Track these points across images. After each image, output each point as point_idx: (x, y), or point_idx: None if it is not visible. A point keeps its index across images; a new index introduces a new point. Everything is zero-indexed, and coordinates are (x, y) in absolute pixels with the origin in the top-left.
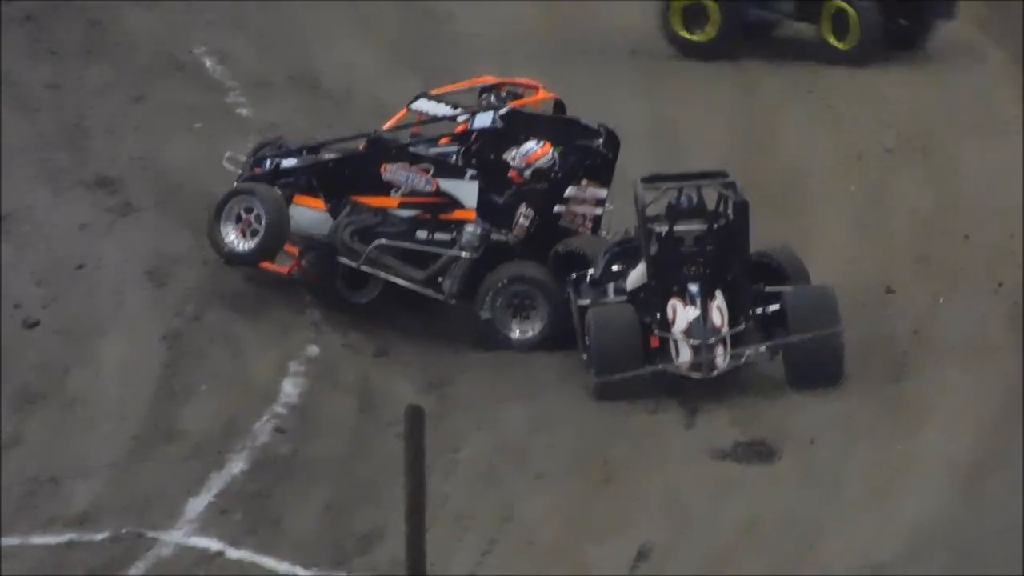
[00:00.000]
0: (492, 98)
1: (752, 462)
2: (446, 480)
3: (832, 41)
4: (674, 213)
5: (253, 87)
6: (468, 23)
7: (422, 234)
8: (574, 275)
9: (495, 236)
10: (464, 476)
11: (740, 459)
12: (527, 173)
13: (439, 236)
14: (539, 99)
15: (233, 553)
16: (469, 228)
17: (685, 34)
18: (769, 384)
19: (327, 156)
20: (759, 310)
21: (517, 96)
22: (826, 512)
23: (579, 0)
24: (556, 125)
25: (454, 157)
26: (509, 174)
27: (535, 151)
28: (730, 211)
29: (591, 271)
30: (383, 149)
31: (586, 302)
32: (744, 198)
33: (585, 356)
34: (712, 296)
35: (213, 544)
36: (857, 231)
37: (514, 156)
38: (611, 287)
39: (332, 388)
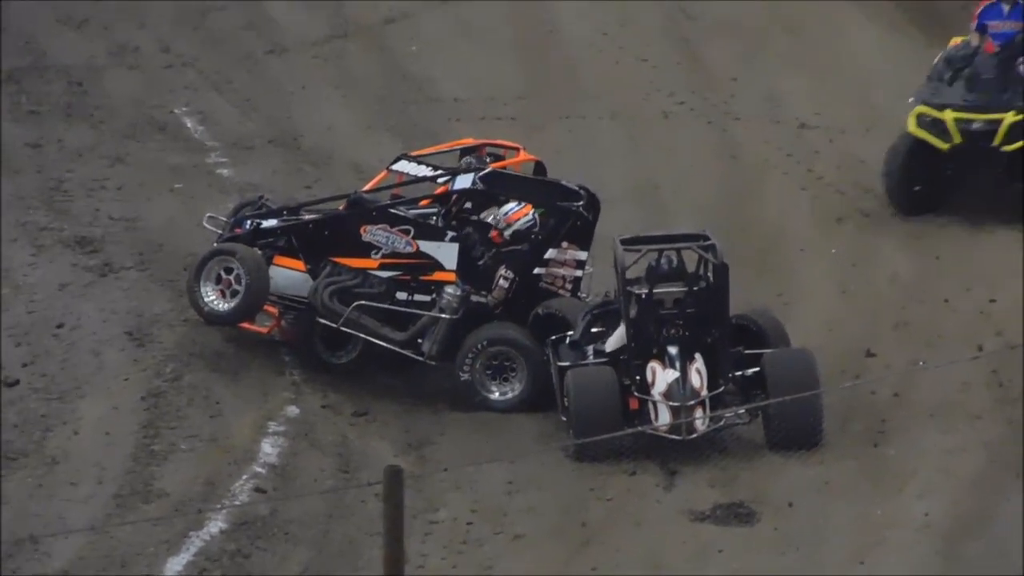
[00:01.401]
0: (473, 160)
1: (731, 524)
2: (424, 541)
3: None
4: (654, 275)
5: (234, 148)
6: (449, 85)
7: (402, 295)
8: (554, 337)
9: (475, 298)
10: (443, 537)
11: (719, 521)
12: (507, 233)
13: (419, 297)
14: (520, 161)
15: None
16: (449, 289)
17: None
18: (748, 447)
19: (307, 217)
20: (739, 373)
21: (498, 158)
22: (805, 575)
23: (559, 63)
24: (537, 187)
25: (434, 218)
26: (490, 235)
27: (515, 211)
28: (710, 273)
29: (571, 333)
30: (363, 210)
31: (566, 364)
32: (724, 260)
33: (564, 418)
34: (691, 358)
35: None
36: (837, 294)
37: (495, 217)
38: (591, 349)
39: (311, 448)
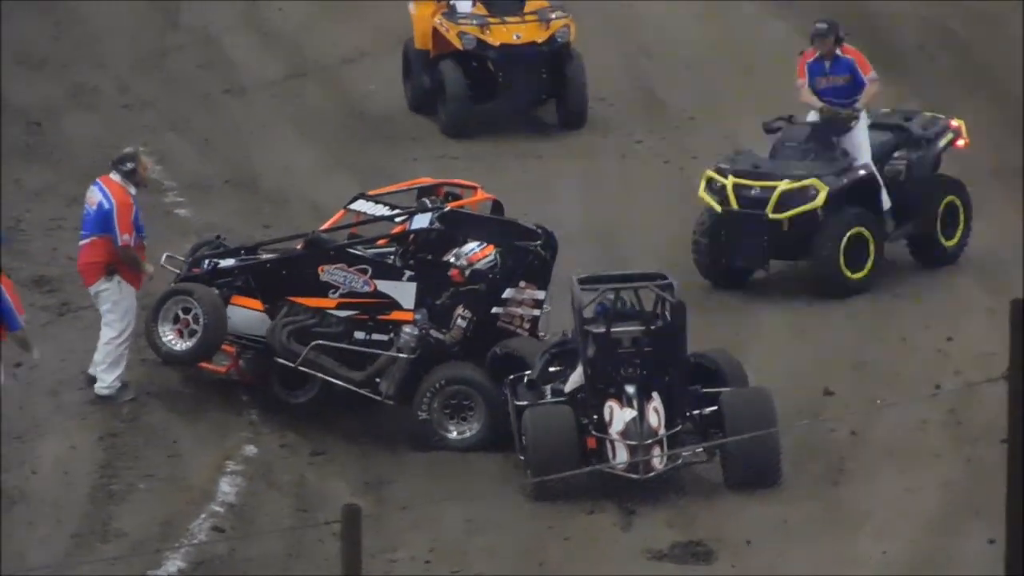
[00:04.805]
0: (430, 199)
1: (689, 563)
2: None
3: None
4: (611, 314)
5: (192, 188)
6: (406, 124)
7: (360, 335)
8: (512, 376)
9: (434, 333)
10: None
11: (677, 560)
12: (467, 272)
13: (377, 337)
14: (478, 200)
15: None
16: (407, 329)
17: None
18: (706, 486)
19: (265, 257)
20: (696, 412)
21: (456, 197)
22: None
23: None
24: (495, 226)
25: (392, 258)
26: (450, 273)
27: (476, 252)
28: (667, 313)
29: (529, 372)
30: (321, 250)
31: (523, 403)
32: (681, 300)
33: (522, 457)
34: (649, 397)
35: None
36: (795, 333)
37: (455, 256)
38: (549, 388)
39: (269, 488)
